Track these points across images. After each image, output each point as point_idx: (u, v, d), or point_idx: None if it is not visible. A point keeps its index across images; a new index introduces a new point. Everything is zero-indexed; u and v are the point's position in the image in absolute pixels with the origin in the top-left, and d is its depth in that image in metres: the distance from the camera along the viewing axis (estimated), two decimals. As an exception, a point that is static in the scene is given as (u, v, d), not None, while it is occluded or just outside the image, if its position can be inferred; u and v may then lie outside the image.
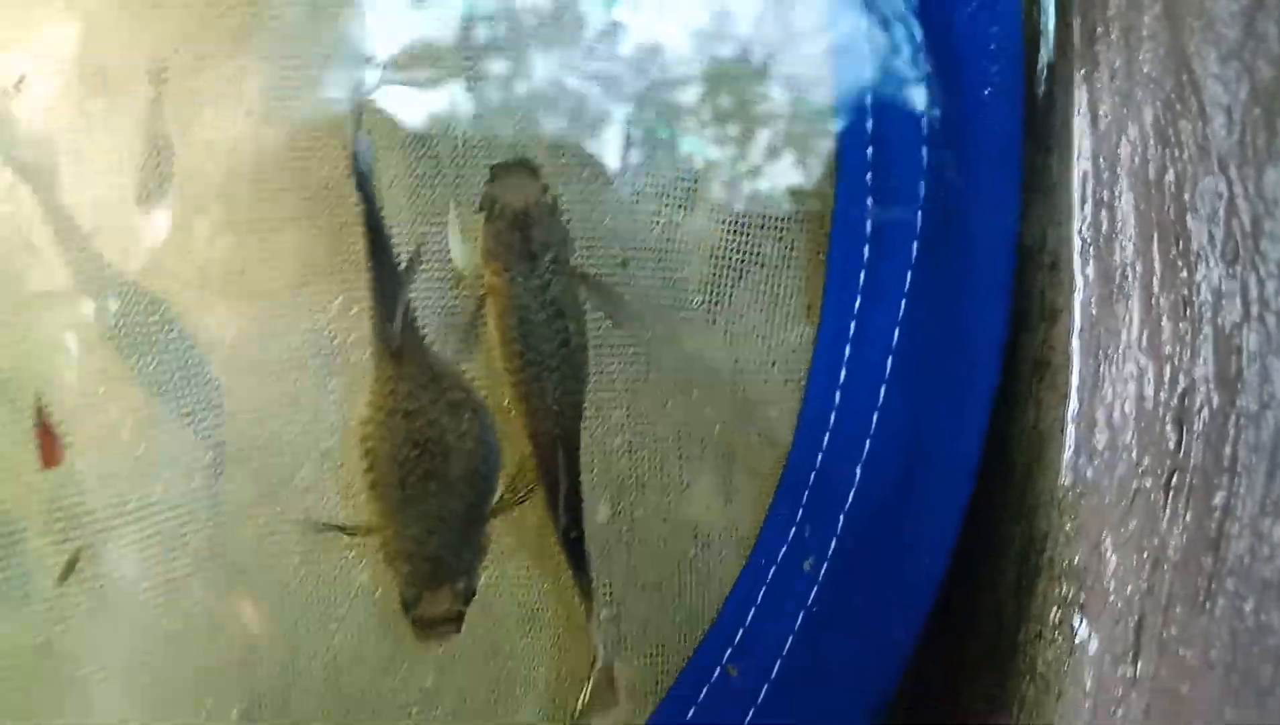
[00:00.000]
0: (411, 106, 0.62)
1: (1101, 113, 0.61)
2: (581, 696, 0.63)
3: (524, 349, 0.60)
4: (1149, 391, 0.55)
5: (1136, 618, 0.53)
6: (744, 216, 0.65)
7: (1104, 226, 0.60)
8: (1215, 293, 0.50)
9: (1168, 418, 0.53)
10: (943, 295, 0.65)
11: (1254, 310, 0.47)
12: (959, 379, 0.66)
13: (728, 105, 0.65)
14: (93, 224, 0.59)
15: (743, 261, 0.66)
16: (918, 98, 0.64)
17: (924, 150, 0.63)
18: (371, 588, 0.62)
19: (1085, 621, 0.58)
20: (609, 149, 0.64)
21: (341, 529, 0.60)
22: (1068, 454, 0.62)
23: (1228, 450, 0.48)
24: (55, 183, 0.58)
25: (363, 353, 0.61)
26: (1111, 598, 0.56)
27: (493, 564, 0.63)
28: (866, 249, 0.64)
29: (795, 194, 0.66)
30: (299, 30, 0.60)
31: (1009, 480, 0.67)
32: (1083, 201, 0.63)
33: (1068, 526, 0.61)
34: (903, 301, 0.64)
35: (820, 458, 0.65)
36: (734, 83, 0.65)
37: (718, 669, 0.64)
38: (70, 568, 0.59)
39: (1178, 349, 0.53)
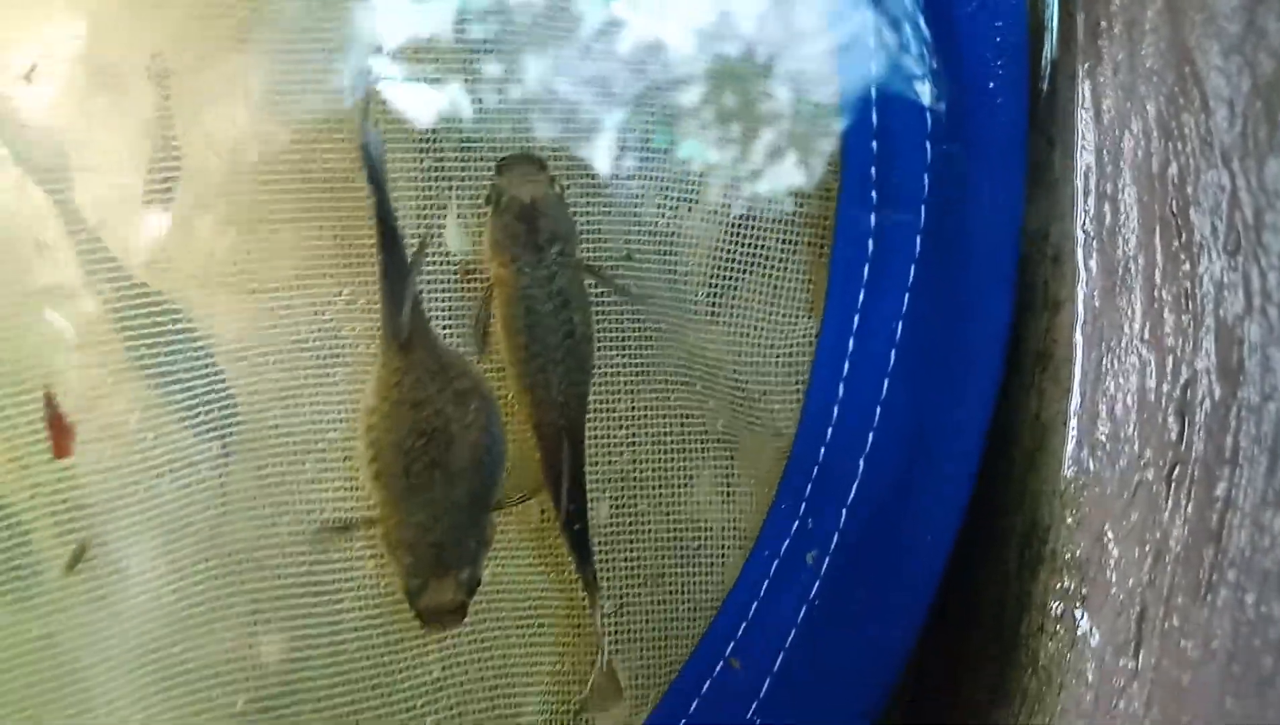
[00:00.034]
0: (417, 102, 0.62)
1: (1104, 106, 0.62)
2: (585, 689, 0.64)
3: (529, 340, 0.60)
4: (1151, 383, 0.55)
5: (1138, 609, 0.54)
6: (748, 212, 0.66)
7: (1107, 219, 0.61)
8: (1217, 285, 0.50)
9: (1170, 409, 0.53)
10: (946, 289, 0.65)
11: (1256, 302, 0.47)
12: (962, 372, 0.66)
13: (732, 103, 0.65)
14: (99, 219, 0.59)
15: (746, 256, 0.66)
16: (922, 92, 0.64)
17: (928, 144, 0.64)
18: (376, 578, 0.62)
19: (1087, 614, 0.58)
20: (613, 145, 0.64)
21: (345, 528, 0.60)
22: (1070, 446, 0.62)
23: (1229, 442, 0.48)
24: (62, 179, 0.58)
25: (367, 345, 0.61)
26: (1113, 590, 0.56)
27: (496, 557, 0.63)
28: (870, 243, 0.64)
29: (799, 189, 0.66)
30: (301, 24, 0.60)
31: (1011, 472, 0.67)
32: (1086, 194, 0.63)
33: (1069, 518, 0.62)
34: (906, 295, 0.64)
35: (823, 451, 0.65)
36: (738, 81, 0.65)
37: (721, 662, 0.65)
38: (77, 557, 0.59)
39: (1180, 341, 0.53)
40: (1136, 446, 0.56)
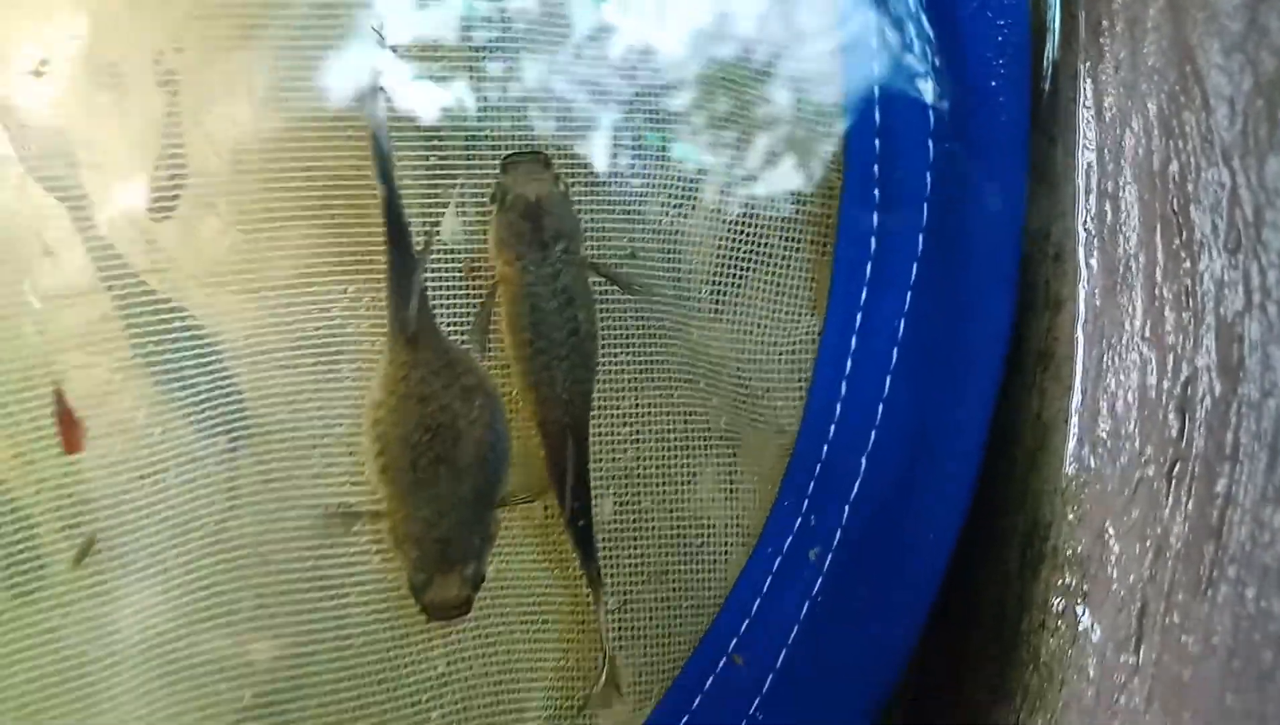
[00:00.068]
0: (422, 100, 0.62)
1: (1106, 105, 0.62)
2: (588, 685, 0.64)
3: (534, 337, 0.60)
4: (1152, 380, 0.55)
5: (1139, 605, 0.54)
6: (751, 210, 0.66)
7: (1108, 217, 0.61)
8: (1218, 282, 0.50)
9: (1170, 406, 0.54)
10: (948, 287, 0.65)
11: (1256, 299, 0.48)
12: (963, 371, 0.66)
13: (735, 104, 0.66)
14: (104, 217, 0.59)
15: (749, 254, 0.66)
16: (925, 90, 0.64)
17: (930, 143, 0.64)
18: (382, 573, 0.62)
19: (1088, 610, 0.59)
20: (616, 144, 0.65)
21: (351, 515, 0.61)
22: (1071, 443, 0.62)
23: (1229, 438, 0.49)
24: (70, 176, 0.59)
25: (373, 342, 0.62)
26: (1114, 586, 0.56)
27: (500, 553, 0.63)
28: (873, 241, 0.65)
29: (802, 188, 0.66)
30: (303, 23, 0.60)
31: (1012, 469, 0.68)
32: (1087, 193, 0.63)
33: (1071, 515, 0.62)
34: (908, 293, 0.65)
35: (826, 448, 0.65)
36: (740, 81, 0.66)
37: (724, 658, 0.65)
38: (84, 551, 0.59)
39: (1180, 338, 0.53)
40: (1137, 443, 0.56)
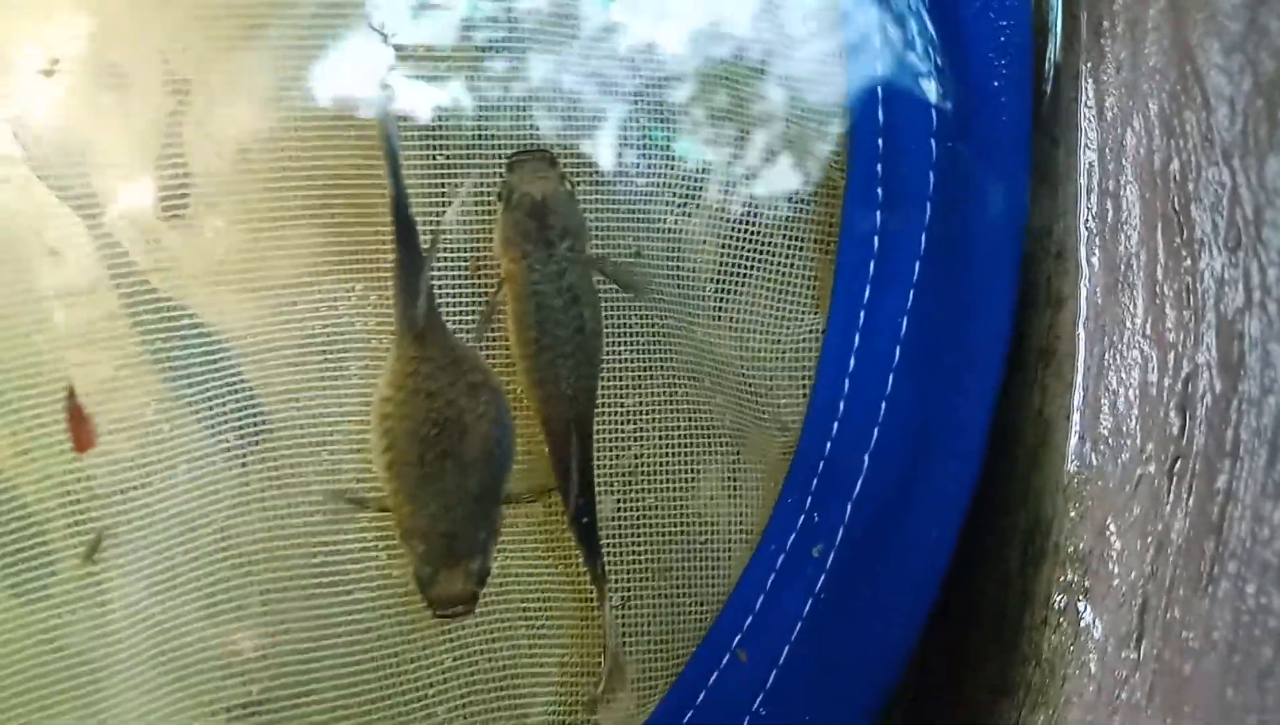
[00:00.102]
0: (428, 99, 0.63)
1: (1107, 105, 0.62)
2: (593, 680, 0.64)
3: (540, 335, 0.61)
4: (1153, 378, 0.56)
5: (1140, 601, 0.54)
6: (754, 209, 0.66)
7: (1109, 216, 0.61)
8: (1218, 280, 0.51)
9: (1171, 404, 0.54)
10: (950, 286, 0.66)
11: (1256, 297, 0.48)
12: (965, 369, 0.67)
13: (736, 103, 0.66)
14: (108, 216, 0.60)
15: (753, 253, 0.67)
16: (928, 90, 0.65)
17: (933, 142, 0.64)
18: (389, 568, 0.63)
19: (1090, 606, 0.59)
20: (621, 143, 0.65)
21: (362, 502, 0.61)
22: (1073, 440, 0.63)
23: (1230, 435, 0.49)
24: (73, 176, 0.59)
25: (380, 340, 0.62)
26: (1116, 582, 0.57)
27: (505, 550, 0.64)
28: (876, 240, 0.65)
29: (805, 187, 0.66)
30: (307, 22, 0.61)
31: (1014, 470, 0.68)
32: (1088, 192, 0.63)
33: (1072, 512, 0.62)
34: (911, 292, 0.65)
35: (829, 446, 0.66)
36: (744, 81, 0.66)
37: (727, 654, 0.65)
38: (94, 548, 0.59)
39: (1181, 336, 0.53)
40: (1138, 440, 0.57)
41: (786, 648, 0.65)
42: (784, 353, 0.67)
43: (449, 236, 0.63)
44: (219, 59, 0.60)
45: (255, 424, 0.62)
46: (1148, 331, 0.57)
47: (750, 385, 0.67)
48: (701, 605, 0.66)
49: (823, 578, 0.65)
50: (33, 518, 0.59)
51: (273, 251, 0.62)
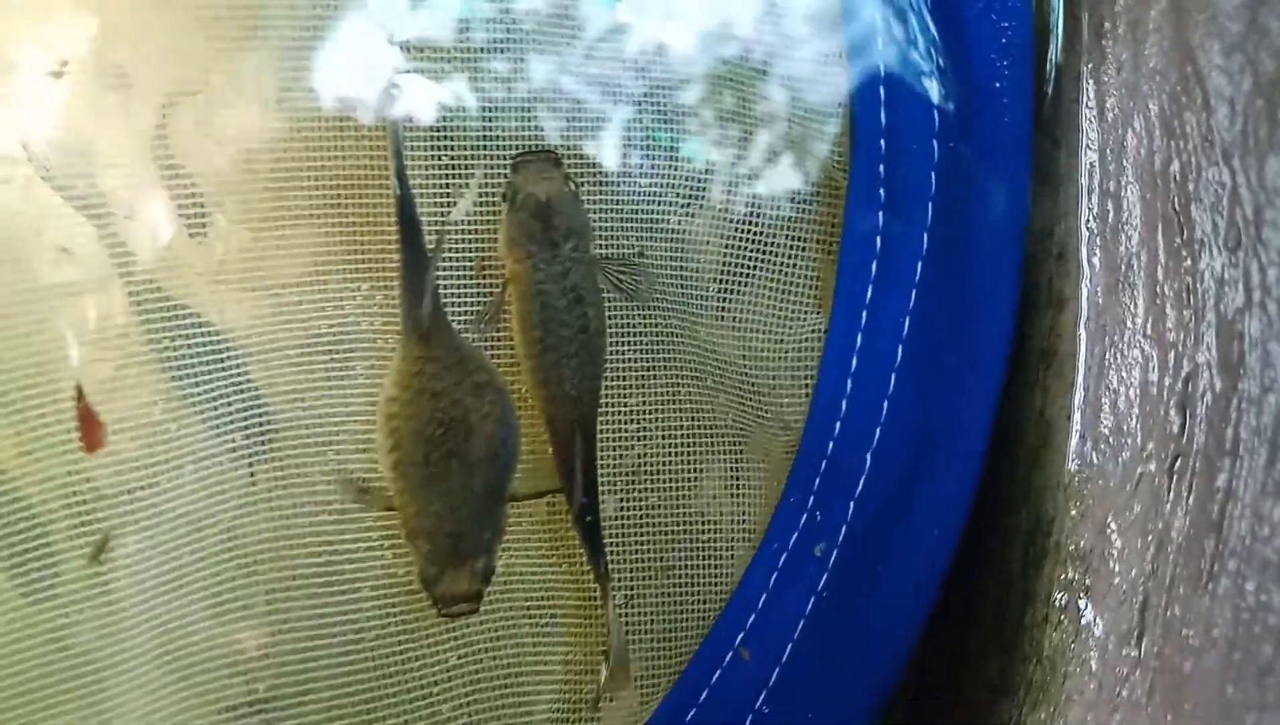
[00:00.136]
0: (432, 100, 0.63)
1: (1108, 105, 0.62)
2: (597, 678, 0.65)
3: (544, 334, 0.61)
4: (1153, 377, 0.56)
5: (1141, 599, 0.54)
6: (757, 209, 0.67)
7: (1110, 216, 0.62)
8: (1218, 280, 0.51)
9: (1171, 403, 0.54)
10: (952, 286, 0.66)
11: (1256, 297, 0.48)
12: (967, 369, 0.67)
13: (739, 103, 0.66)
14: (113, 216, 0.60)
15: (756, 253, 0.67)
16: (930, 91, 0.65)
17: (935, 143, 0.65)
18: (394, 567, 0.63)
19: (1091, 604, 0.59)
20: (624, 144, 0.65)
21: (366, 490, 0.61)
22: (1074, 440, 0.63)
23: (1230, 434, 0.49)
24: (75, 176, 0.59)
25: (385, 340, 0.62)
26: (1116, 580, 0.57)
27: (509, 549, 0.64)
28: (878, 240, 0.65)
29: (808, 188, 0.67)
30: (310, 23, 0.61)
31: (1016, 466, 0.68)
32: (1089, 192, 0.64)
33: (1073, 511, 0.62)
34: (913, 292, 0.65)
35: (831, 445, 0.66)
36: (747, 82, 0.66)
37: (730, 652, 0.65)
38: (100, 548, 0.59)
39: (1181, 335, 0.54)
40: (1139, 439, 0.57)
41: (789, 646, 0.65)
42: (787, 352, 0.67)
43: (454, 236, 0.63)
44: (221, 60, 0.61)
45: (261, 424, 0.62)
46: (1148, 331, 0.57)
47: (753, 385, 0.67)
48: (704, 604, 0.67)
49: (825, 576, 0.66)
50: (38, 518, 0.59)
51: (278, 251, 0.62)
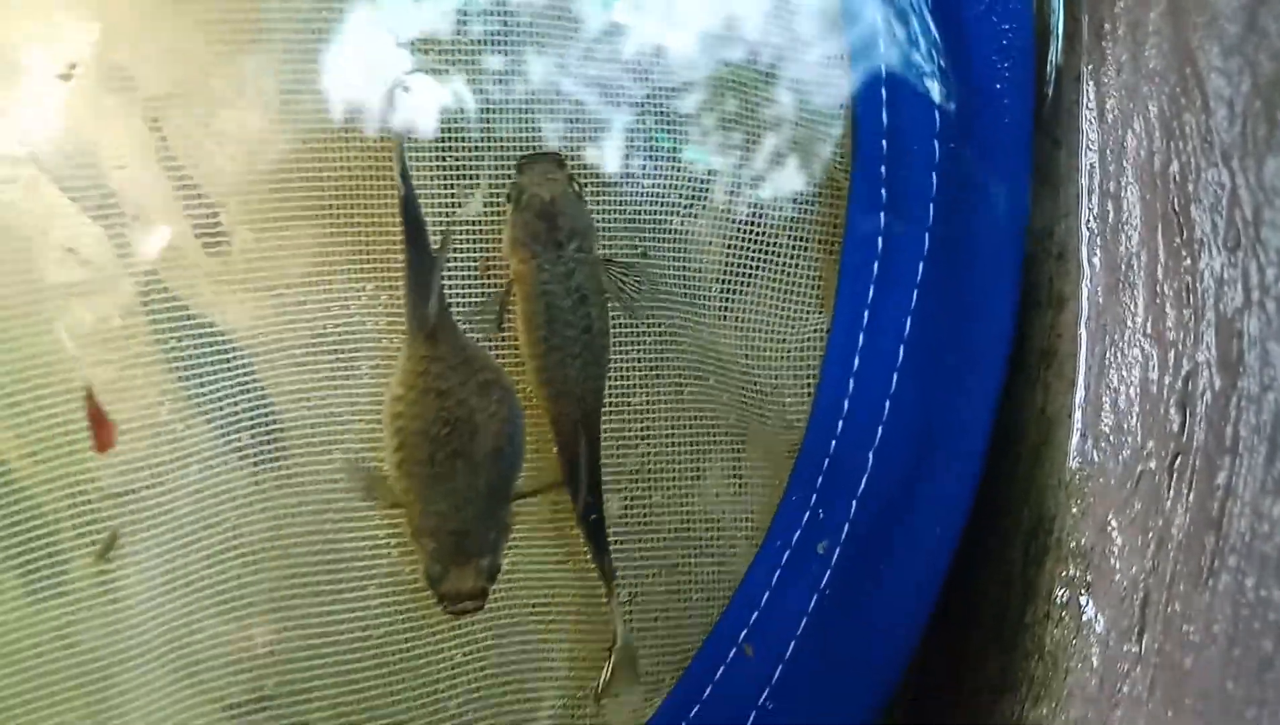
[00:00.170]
0: (437, 101, 0.63)
1: (1108, 106, 0.63)
2: (601, 676, 0.65)
3: (549, 334, 0.61)
4: (1153, 376, 0.56)
5: (1141, 595, 0.55)
6: (759, 209, 0.67)
7: (1110, 217, 0.62)
8: (1218, 280, 0.51)
9: (1172, 401, 0.55)
10: (953, 286, 0.66)
11: (1255, 296, 0.49)
12: (968, 370, 0.67)
13: (744, 106, 0.67)
14: (118, 216, 0.60)
15: (758, 253, 0.67)
16: (931, 91, 0.65)
17: (936, 143, 0.65)
18: (400, 565, 0.63)
19: (1092, 601, 0.60)
20: (627, 146, 0.66)
21: (375, 481, 0.61)
22: (1075, 438, 0.63)
23: (1229, 432, 0.50)
24: (81, 176, 0.59)
25: (391, 339, 0.63)
26: (1117, 577, 0.57)
27: (514, 547, 0.64)
28: (880, 240, 0.65)
29: (810, 188, 0.67)
30: (313, 24, 0.61)
31: (1017, 465, 0.69)
32: (1089, 193, 0.64)
33: (1074, 508, 0.63)
34: (915, 292, 0.66)
35: (834, 444, 0.66)
36: (747, 83, 0.67)
37: (734, 649, 0.66)
38: (108, 547, 0.60)
39: (1181, 335, 0.54)
40: (1139, 437, 0.57)
41: (792, 643, 0.65)
42: (789, 352, 0.68)
43: (458, 237, 0.63)
44: (223, 62, 0.61)
45: (267, 424, 0.62)
46: (1148, 330, 0.57)
47: (756, 384, 0.68)
48: (708, 601, 0.67)
49: (828, 574, 0.66)
50: (45, 517, 0.59)
51: (282, 252, 0.62)
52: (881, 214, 0.65)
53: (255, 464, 0.62)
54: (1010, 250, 0.67)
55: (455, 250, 0.63)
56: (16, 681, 0.59)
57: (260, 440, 0.62)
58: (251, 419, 0.62)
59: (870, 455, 0.66)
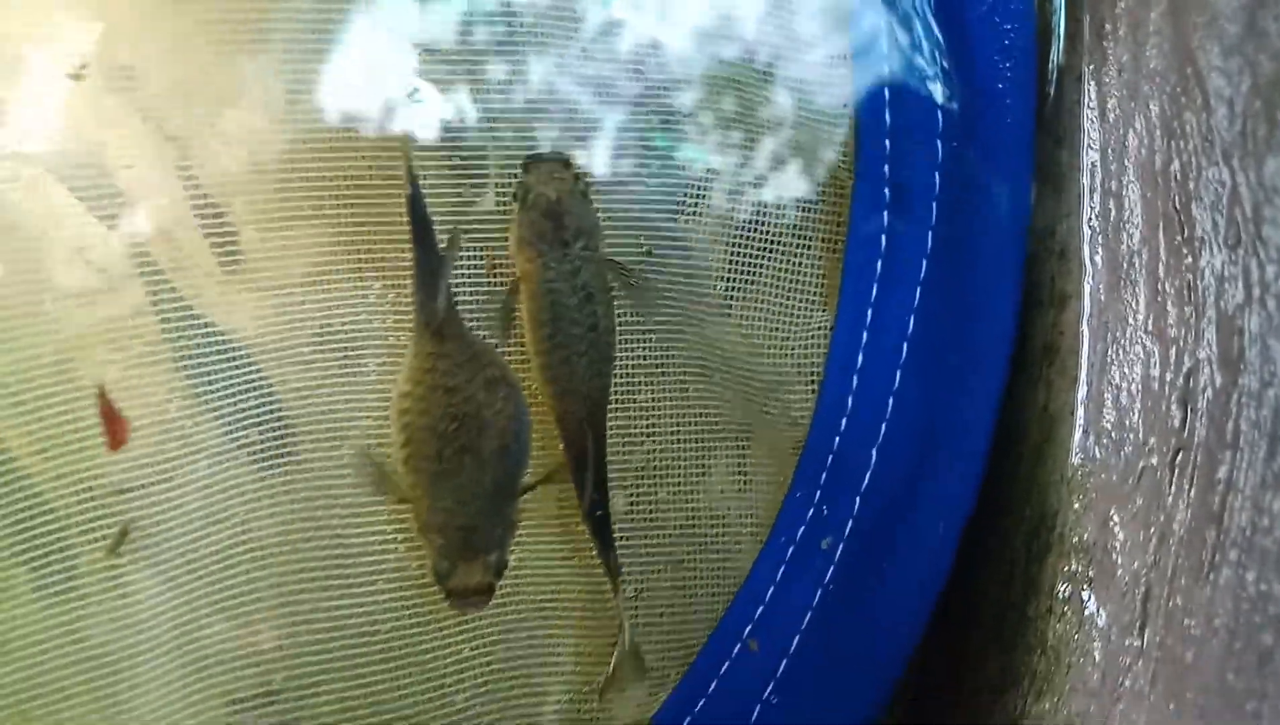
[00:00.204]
0: (442, 102, 0.64)
1: (1109, 106, 0.63)
2: (607, 671, 0.65)
3: (554, 332, 0.62)
4: (1155, 373, 0.57)
5: (1143, 590, 0.55)
6: (763, 209, 0.67)
7: (1112, 215, 0.62)
8: (1218, 277, 0.52)
9: (1173, 398, 0.55)
10: (956, 285, 0.67)
11: (1255, 293, 0.49)
12: (971, 370, 0.68)
13: (744, 105, 0.67)
14: (125, 215, 0.60)
15: (762, 251, 0.68)
16: (934, 91, 0.66)
17: (939, 143, 0.65)
18: (408, 560, 0.64)
19: (1094, 596, 0.60)
20: (631, 145, 0.66)
21: (383, 474, 0.62)
22: (1077, 435, 0.64)
23: (1230, 427, 0.50)
24: (88, 175, 0.60)
25: (398, 337, 0.63)
26: (1119, 572, 0.58)
27: (521, 543, 0.65)
28: (883, 239, 0.66)
29: (814, 188, 0.67)
30: (316, 25, 0.61)
31: (1020, 461, 0.69)
32: (1091, 192, 0.64)
33: (1076, 504, 0.63)
34: (918, 290, 0.66)
35: (837, 441, 0.67)
36: (750, 83, 0.67)
37: (738, 644, 0.66)
38: (119, 542, 0.60)
39: (1182, 332, 0.55)
40: (1141, 434, 0.58)
41: (796, 638, 0.66)
42: (793, 350, 0.68)
43: (465, 236, 0.64)
44: (226, 62, 0.61)
45: (275, 421, 0.63)
46: (1150, 327, 0.58)
47: (760, 381, 0.68)
48: (713, 597, 0.67)
49: (831, 569, 0.66)
50: (53, 513, 0.60)
51: (287, 250, 0.63)
52: (885, 213, 0.66)
53: (263, 461, 0.62)
54: (1013, 249, 0.67)
55: (461, 248, 0.64)
56: (25, 677, 0.59)
57: (268, 437, 0.63)
58: (259, 416, 0.63)
59: (874, 452, 0.67)
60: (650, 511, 0.67)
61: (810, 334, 0.68)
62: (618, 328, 0.65)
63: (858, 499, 0.67)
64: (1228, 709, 0.48)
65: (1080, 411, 0.64)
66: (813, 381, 0.68)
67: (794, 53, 0.67)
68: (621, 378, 0.66)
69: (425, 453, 0.58)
